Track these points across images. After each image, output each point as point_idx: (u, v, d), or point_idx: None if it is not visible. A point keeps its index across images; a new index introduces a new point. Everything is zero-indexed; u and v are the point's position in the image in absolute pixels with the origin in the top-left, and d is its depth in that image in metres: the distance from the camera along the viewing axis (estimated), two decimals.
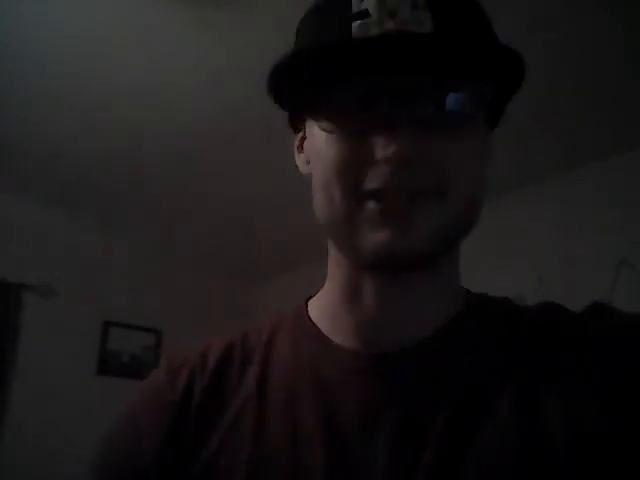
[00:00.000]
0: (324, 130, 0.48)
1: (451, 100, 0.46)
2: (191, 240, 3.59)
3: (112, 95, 2.31)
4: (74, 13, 1.91)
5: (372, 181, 0.46)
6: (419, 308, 0.51)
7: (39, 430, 3.00)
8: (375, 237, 0.46)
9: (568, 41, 1.80)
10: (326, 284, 0.57)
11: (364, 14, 0.45)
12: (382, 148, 0.44)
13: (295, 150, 0.58)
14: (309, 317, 0.57)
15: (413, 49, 0.43)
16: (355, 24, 0.45)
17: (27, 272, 3.16)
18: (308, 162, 0.55)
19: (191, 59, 2.10)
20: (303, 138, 0.56)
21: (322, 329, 0.55)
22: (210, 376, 0.54)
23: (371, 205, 0.46)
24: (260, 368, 0.54)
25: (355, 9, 0.45)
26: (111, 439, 0.55)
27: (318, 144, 0.50)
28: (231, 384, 0.54)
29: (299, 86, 0.49)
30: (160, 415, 0.53)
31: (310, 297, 0.60)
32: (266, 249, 3.58)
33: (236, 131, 2.48)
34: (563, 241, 2.43)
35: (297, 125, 0.57)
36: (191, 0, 1.82)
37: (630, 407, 0.43)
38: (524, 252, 2.52)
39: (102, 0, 1.86)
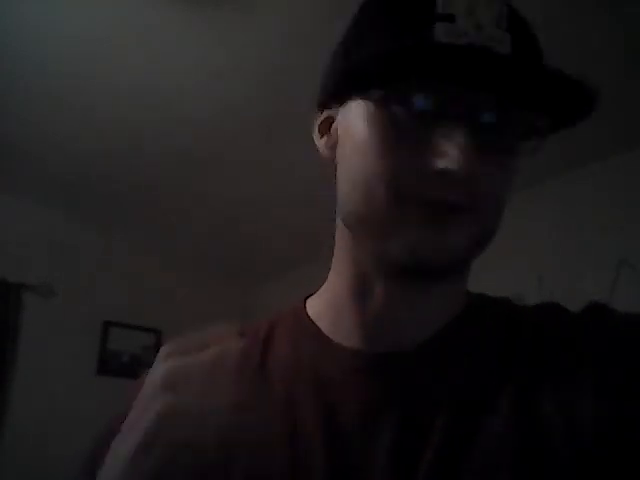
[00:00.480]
0: (392, 122, 0.46)
1: (513, 130, 0.46)
2: (191, 240, 3.59)
3: (112, 95, 2.31)
4: (74, 13, 1.91)
5: (425, 189, 0.45)
6: (424, 309, 0.51)
7: (39, 430, 3.00)
8: (412, 239, 0.45)
9: (568, 41, 1.80)
10: (331, 281, 0.56)
11: (449, 18, 0.43)
12: (447, 160, 0.43)
13: (316, 129, 0.56)
14: (308, 316, 0.57)
15: (494, 68, 0.42)
16: (440, 26, 0.43)
17: (27, 272, 3.16)
18: (334, 146, 0.53)
19: (191, 59, 2.10)
20: (330, 121, 0.54)
21: (322, 328, 0.55)
22: None
23: (413, 210, 0.45)
24: (259, 366, 0.54)
25: (440, 10, 0.44)
26: (103, 439, 0.54)
27: (361, 134, 0.48)
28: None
29: (370, 78, 0.46)
30: None
31: (308, 296, 0.60)
32: (266, 249, 3.58)
33: (236, 131, 2.48)
34: (563, 241, 2.43)
35: (328, 104, 0.54)
36: (191, 0, 1.82)
37: (630, 407, 0.43)
38: (524, 252, 2.52)
39: (102, 0, 1.86)
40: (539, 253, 2.48)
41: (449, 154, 0.43)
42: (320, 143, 0.56)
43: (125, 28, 1.97)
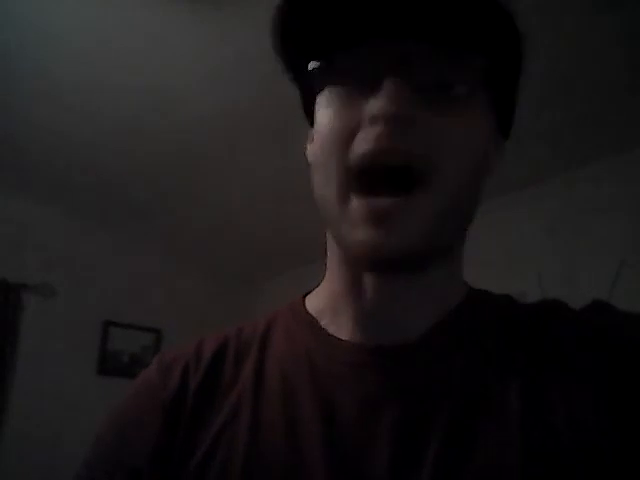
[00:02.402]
0: (322, 94, 0.47)
1: (452, 76, 0.45)
2: (191, 240, 3.59)
3: (112, 95, 2.31)
4: (74, 13, 1.91)
5: (358, 147, 0.44)
6: (419, 303, 0.51)
7: (39, 430, 3.00)
8: (358, 235, 0.45)
9: (568, 41, 1.80)
10: (326, 277, 0.56)
11: None
12: (370, 107, 0.43)
13: (308, 143, 0.57)
14: (306, 311, 0.56)
15: (418, 8, 0.42)
16: None
17: (27, 272, 3.16)
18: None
19: (191, 59, 2.10)
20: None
21: (321, 322, 0.54)
22: (204, 371, 0.54)
23: (355, 203, 0.45)
24: (256, 362, 0.53)
25: None
26: (104, 439, 0.54)
27: (322, 120, 0.49)
28: (226, 378, 0.53)
29: (301, 52, 0.47)
30: (153, 413, 0.52)
31: (307, 293, 0.60)
32: (266, 249, 3.58)
33: (236, 131, 2.48)
34: (563, 241, 2.43)
35: (312, 116, 0.55)
36: (191, 0, 1.82)
37: (630, 405, 0.43)
38: (524, 252, 2.52)
39: (102, 0, 1.86)
40: (539, 253, 2.48)
41: (377, 102, 0.43)
42: (308, 153, 0.56)
43: (125, 28, 1.97)
